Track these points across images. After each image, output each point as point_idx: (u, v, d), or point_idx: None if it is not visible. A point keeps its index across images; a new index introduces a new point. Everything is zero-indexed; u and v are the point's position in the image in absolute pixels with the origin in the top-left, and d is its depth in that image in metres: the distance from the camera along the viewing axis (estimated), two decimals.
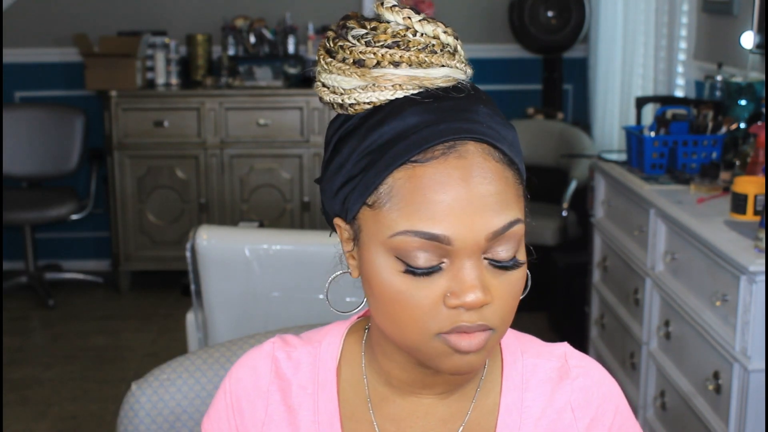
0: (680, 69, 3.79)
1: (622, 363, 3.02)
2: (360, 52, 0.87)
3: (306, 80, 4.76)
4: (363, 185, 0.86)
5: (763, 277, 2.13)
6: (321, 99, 0.93)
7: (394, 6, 0.88)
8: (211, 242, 2.26)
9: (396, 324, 0.87)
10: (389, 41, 0.87)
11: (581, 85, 5.01)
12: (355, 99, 0.88)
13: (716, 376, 2.30)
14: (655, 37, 3.96)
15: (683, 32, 3.74)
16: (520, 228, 0.86)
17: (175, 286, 4.24)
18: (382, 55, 0.86)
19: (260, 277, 2.27)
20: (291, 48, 4.85)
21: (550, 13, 4.77)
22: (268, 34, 4.84)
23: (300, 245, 2.30)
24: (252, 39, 4.84)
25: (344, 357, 1.00)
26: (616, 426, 1.00)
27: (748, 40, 3.05)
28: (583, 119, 4.93)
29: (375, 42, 0.87)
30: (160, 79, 4.78)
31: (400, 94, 0.86)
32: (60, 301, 4.62)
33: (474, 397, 0.97)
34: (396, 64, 0.86)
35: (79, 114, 4.72)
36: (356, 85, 0.87)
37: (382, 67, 0.86)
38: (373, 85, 0.87)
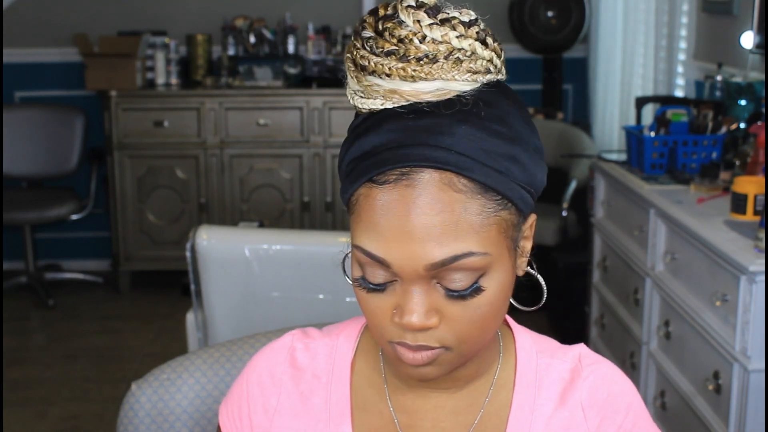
0: (680, 69, 3.79)
1: (622, 363, 3.02)
2: (361, 57, 0.86)
3: (306, 80, 4.76)
4: (343, 191, 0.90)
5: (763, 277, 2.13)
6: None
7: (410, 6, 0.85)
8: (211, 242, 2.25)
9: (368, 322, 0.93)
10: (389, 48, 0.84)
11: (581, 85, 5.01)
12: (355, 102, 0.88)
13: (716, 376, 2.30)
14: (655, 37, 3.96)
15: (683, 32, 3.74)
16: (472, 260, 0.83)
17: (175, 286, 4.25)
18: (375, 63, 0.84)
19: (260, 277, 2.27)
20: (291, 48, 4.85)
21: (550, 13, 4.77)
22: (268, 34, 4.84)
23: (300, 245, 2.30)
24: (252, 39, 4.84)
25: (361, 349, 1.02)
26: (629, 424, 0.99)
27: (748, 40, 3.05)
28: (583, 119, 4.93)
29: (376, 47, 0.85)
30: (160, 79, 4.78)
31: (388, 105, 0.85)
32: (60, 301, 4.62)
33: (488, 394, 0.99)
34: (388, 75, 0.84)
35: (79, 114, 4.72)
36: (356, 89, 0.87)
37: (375, 76, 0.85)
38: (365, 93, 0.86)
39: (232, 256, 2.26)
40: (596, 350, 3.36)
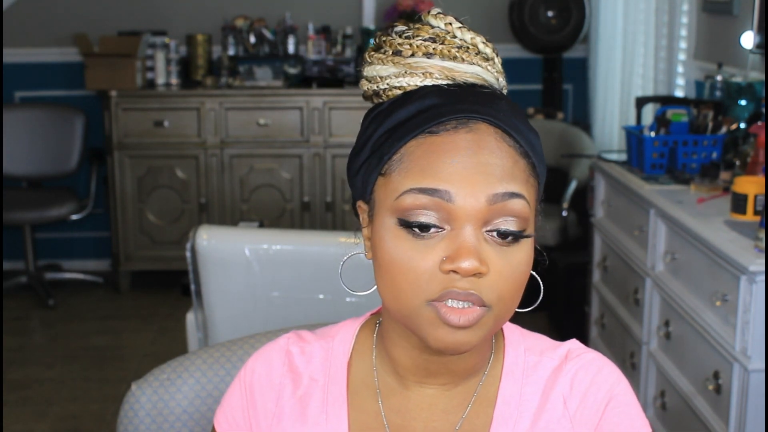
0: (680, 69, 3.79)
1: (622, 363, 3.02)
2: (398, 44, 0.94)
3: (306, 80, 4.76)
4: (378, 156, 0.92)
5: (763, 277, 2.13)
6: (363, 95, 0.99)
7: (439, 14, 0.95)
8: (211, 242, 2.25)
9: (392, 289, 0.90)
10: (427, 36, 0.93)
11: (581, 85, 5.01)
12: (387, 84, 0.94)
13: (716, 376, 2.30)
14: (655, 37, 3.96)
15: (683, 32, 3.74)
16: (522, 204, 0.89)
17: (175, 286, 4.24)
18: (417, 46, 0.93)
19: (260, 277, 2.27)
20: (291, 48, 4.85)
21: (550, 13, 4.77)
22: (268, 34, 4.84)
23: (300, 245, 2.30)
24: (252, 39, 4.84)
25: (356, 351, 1.03)
26: (610, 410, 0.98)
27: (748, 40, 3.05)
28: (583, 119, 4.93)
29: (414, 37, 0.94)
30: (160, 79, 4.78)
31: (429, 82, 0.93)
32: (60, 301, 4.62)
33: (476, 390, 0.99)
34: (429, 56, 0.92)
35: (79, 114, 4.72)
36: (391, 72, 0.94)
37: (415, 57, 0.93)
38: (406, 72, 0.93)
39: (232, 256, 2.26)
40: (596, 350, 3.36)
